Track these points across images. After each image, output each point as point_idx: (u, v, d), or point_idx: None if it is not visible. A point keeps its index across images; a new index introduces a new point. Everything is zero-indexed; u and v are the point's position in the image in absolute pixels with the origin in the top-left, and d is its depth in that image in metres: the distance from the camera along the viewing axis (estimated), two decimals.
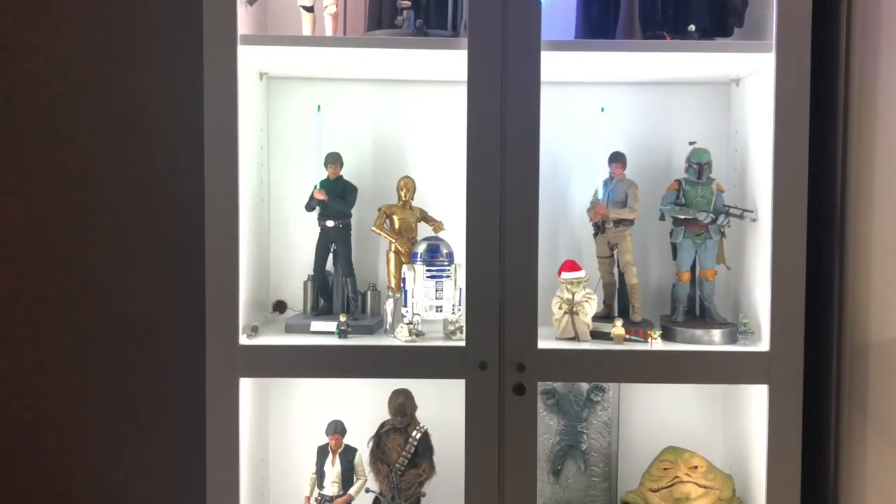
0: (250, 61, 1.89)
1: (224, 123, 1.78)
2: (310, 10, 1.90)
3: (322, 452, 1.95)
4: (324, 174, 2.02)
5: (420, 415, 1.96)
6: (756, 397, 1.86)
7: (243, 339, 1.82)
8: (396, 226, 2.04)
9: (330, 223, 2.01)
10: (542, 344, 1.81)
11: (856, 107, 1.79)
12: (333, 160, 2.01)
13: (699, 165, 1.95)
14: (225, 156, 1.78)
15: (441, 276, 1.92)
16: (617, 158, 1.99)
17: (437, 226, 2.03)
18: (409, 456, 1.92)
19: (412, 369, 1.83)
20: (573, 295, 1.92)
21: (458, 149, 1.89)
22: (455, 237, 1.91)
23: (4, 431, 2.16)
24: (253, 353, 1.82)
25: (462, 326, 1.87)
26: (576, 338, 1.91)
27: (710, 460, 1.96)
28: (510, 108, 1.77)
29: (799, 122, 1.77)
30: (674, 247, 1.99)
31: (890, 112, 1.66)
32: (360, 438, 1.96)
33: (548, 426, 2.08)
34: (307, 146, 2.07)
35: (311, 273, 2.05)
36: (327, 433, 1.94)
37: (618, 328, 1.88)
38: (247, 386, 1.87)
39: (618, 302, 2.03)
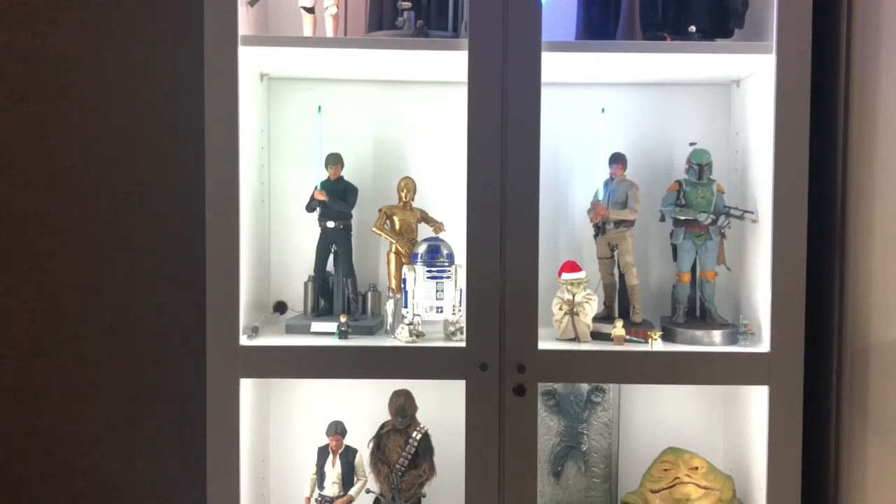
0: (251, 62, 1.89)
1: (225, 124, 1.78)
2: (310, 10, 1.90)
3: (322, 453, 1.95)
4: (324, 175, 2.02)
5: (420, 416, 1.96)
6: (756, 398, 1.86)
7: (244, 340, 1.82)
8: (397, 226, 2.04)
9: (330, 224, 2.01)
10: (543, 345, 1.81)
11: (856, 107, 1.79)
12: (334, 161, 2.02)
13: (699, 166, 1.95)
14: (226, 157, 1.78)
15: (441, 277, 1.92)
16: (617, 159, 1.99)
17: (438, 226, 2.03)
18: (410, 457, 1.92)
19: (413, 370, 1.84)
20: (573, 296, 1.92)
21: (458, 150, 1.89)
22: (455, 238, 1.91)
23: (5, 433, 2.16)
24: (253, 353, 1.82)
25: (462, 327, 1.88)
26: (576, 339, 1.91)
27: (710, 461, 1.96)
28: (511, 108, 1.77)
29: (799, 122, 1.77)
30: (674, 248, 1.99)
31: (890, 112, 1.66)
32: (360, 439, 1.96)
33: (548, 427, 2.08)
34: (308, 147, 2.07)
35: (312, 274, 2.05)
36: (328, 434, 1.94)
37: (618, 329, 1.88)
38: (247, 387, 1.87)
39: (618, 303, 2.03)
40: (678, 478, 1.91)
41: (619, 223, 1.98)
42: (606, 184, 1.99)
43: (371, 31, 1.94)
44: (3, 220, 2.13)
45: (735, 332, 1.88)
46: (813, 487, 1.89)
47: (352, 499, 1.94)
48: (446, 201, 2.09)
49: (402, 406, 1.93)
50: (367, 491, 1.96)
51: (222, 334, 1.80)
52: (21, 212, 2.13)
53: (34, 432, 2.16)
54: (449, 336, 1.92)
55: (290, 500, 2.11)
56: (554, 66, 1.83)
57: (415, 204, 2.06)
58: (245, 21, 1.83)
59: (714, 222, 1.93)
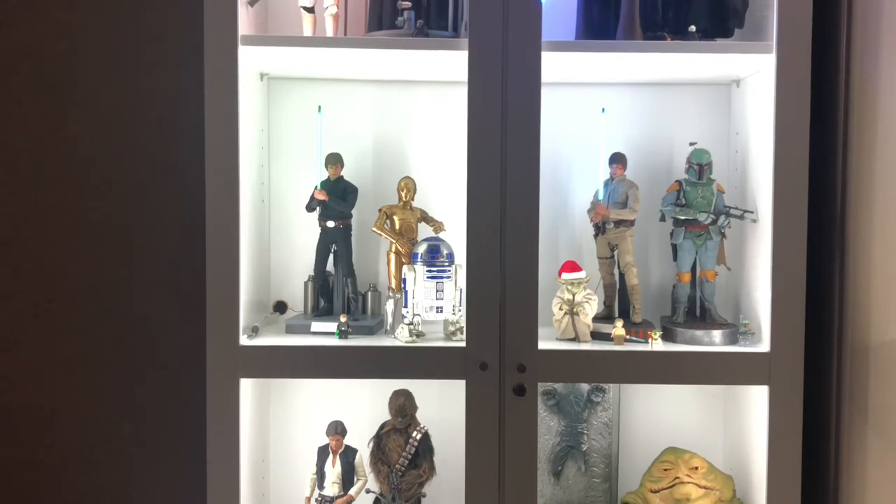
0: (251, 62, 1.89)
1: (225, 124, 1.78)
2: (310, 10, 1.90)
3: (322, 453, 1.95)
4: (324, 175, 2.02)
5: (420, 415, 1.96)
6: (756, 398, 1.86)
7: (244, 340, 1.82)
8: (397, 226, 2.04)
9: (330, 224, 2.01)
10: (543, 345, 1.81)
11: (856, 107, 1.79)
12: (334, 161, 2.02)
13: (699, 166, 1.95)
14: (225, 156, 1.78)
15: (441, 277, 1.92)
16: (617, 159, 1.99)
17: (438, 226, 2.04)
18: (410, 456, 1.92)
19: (413, 370, 1.83)
20: (574, 295, 1.92)
21: (458, 149, 1.90)
22: (455, 238, 1.91)
23: (5, 431, 2.16)
24: (253, 353, 1.82)
25: (462, 327, 1.88)
26: (576, 338, 1.91)
27: (710, 461, 1.96)
28: (511, 108, 1.77)
29: (799, 122, 1.77)
30: (674, 248, 1.99)
31: (890, 112, 1.66)
32: (360, 439, 1.96)
33: (548, 427, 2.08)
34: (308, 147, 2.07)
35: (312, 274, 2.05)
36: (328, 434, 1.94)
37: (618, 329, 1.88)
38: (247, 386, 1.87)
39: (618, 303, 2.03)
40: (678, 478, 1.91)
41: (619, 223, 1.98)
42: (606, 184, 1.99)
43: (371, 30, 1.94)
44: (2, 221, 2.13)
45: (735, 331, 1.88)
46: (813, 487, 1.89)
47: (352, 499, 1.94)
48: (446, 201, 2.09)
49: (402, 406, 1.93)
50: (367, 491, 1.96)
51: (222, 334, 1.80)
52: (20, 212, 2.13)
53: (34, 431, 2.16)
54: (449, 336, 1.92)
55: (290, 500, 2.11)
56: (554, 66, 1.83)
57: (415, 204, 2.06)
58: (245, 21, 1.83)
59: (714, 222, 1.93)
